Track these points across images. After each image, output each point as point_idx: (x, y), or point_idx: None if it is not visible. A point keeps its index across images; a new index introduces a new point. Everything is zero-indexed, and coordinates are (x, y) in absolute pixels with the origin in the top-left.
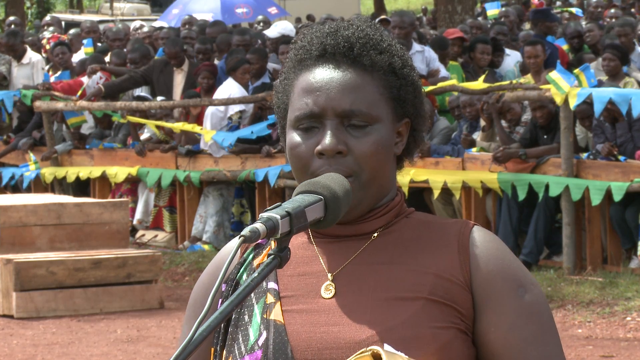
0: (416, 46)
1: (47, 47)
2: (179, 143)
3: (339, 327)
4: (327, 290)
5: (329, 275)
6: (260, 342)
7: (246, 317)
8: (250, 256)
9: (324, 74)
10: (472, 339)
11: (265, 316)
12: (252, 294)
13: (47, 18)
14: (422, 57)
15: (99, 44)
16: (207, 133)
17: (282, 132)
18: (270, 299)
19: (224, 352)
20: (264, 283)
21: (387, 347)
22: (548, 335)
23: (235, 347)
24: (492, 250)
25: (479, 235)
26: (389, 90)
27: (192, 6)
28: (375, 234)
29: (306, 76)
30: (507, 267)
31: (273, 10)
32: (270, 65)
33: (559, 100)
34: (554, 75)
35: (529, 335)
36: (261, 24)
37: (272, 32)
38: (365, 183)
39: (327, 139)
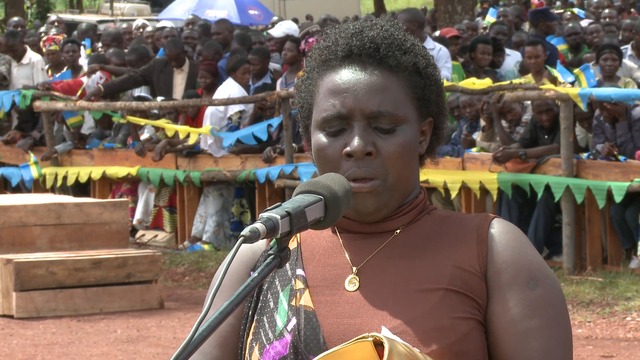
0: (428, 44)
1: (44, 49)
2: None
3: (362, 319)
4: (351, 283)
5: (354, 268)
6: (290, 327)
7: (271, 303)
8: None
9: (350, 75)
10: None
11: (293, 303)
12: (277, 281)
13: (54, 17)
14: None
15: (104, 45)
16: (206, 131)
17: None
18: (299, 284)
19: (249, 339)
20: (290, 270)
21: (385, 331)
22: (554, 330)
23: (262, 334)
24: (510, 241)
25: (499, 226)
26: (414, 90)
27: (207, 2)
28: (398, 230)
29: (332, 77)
30: (521, 259)
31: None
32: (272, 66)
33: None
34: (555, 72)
35: (532, 327)
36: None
37: (276, 31)
38: (391, 185)
39: (356, 141)
